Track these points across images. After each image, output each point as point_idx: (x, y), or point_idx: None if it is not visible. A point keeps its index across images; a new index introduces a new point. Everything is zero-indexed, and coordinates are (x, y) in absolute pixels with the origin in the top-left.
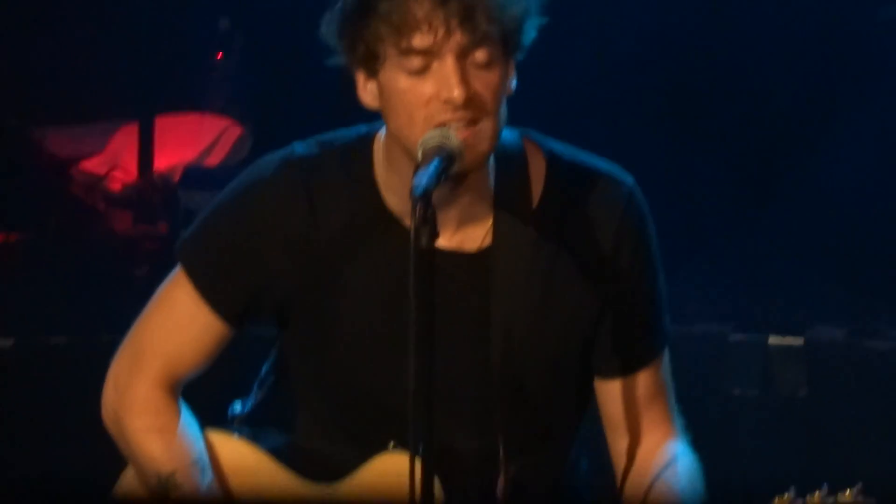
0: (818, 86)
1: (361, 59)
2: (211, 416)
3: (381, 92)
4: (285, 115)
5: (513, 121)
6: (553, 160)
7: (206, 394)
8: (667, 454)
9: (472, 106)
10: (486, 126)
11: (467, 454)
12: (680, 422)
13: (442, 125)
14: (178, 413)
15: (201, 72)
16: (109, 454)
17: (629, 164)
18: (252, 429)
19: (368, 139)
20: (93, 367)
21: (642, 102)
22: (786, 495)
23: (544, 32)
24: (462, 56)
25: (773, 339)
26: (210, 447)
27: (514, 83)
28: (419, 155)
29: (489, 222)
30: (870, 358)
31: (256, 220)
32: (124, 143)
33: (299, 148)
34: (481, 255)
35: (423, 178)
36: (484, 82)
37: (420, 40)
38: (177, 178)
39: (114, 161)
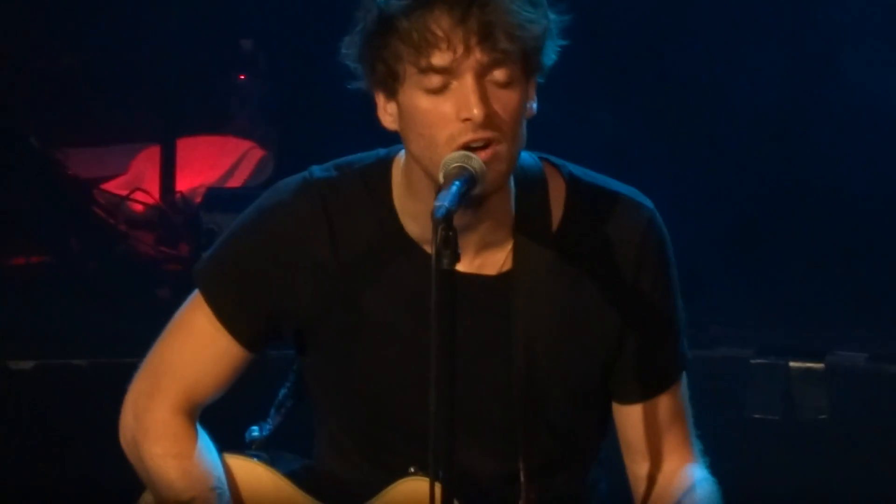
0: (847, 109)
1: (381, 80)
2: (228, 440)
3: (401, 113)
4: (308, 136)
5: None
6: (573, 184)
7: (223, 418)
8: (686, 478)
9: (491, 125)
10: (504, 147)
11: (488, 477)
12: (699, 446)
13: (463, 147)
14: (196, 438)
15: (224, 93)
16: (128, 478)
17: (648, 188)
18: (270, 453)
19: (387, 162)
20: (114, 389)
21: (663, 125)
22: None
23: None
24: (481, 75)
25: (795, 364)
26: (228, 472)
27: (535, 106)
28: (441, 177)
29: (509, 246)
30: (891, 383)
31: (275, 243)
32: (147, 164)
33: (317, 171)
34: (501, 279)
35: (445, 199)
36: (503, 102)
37: (439, 58)
38: (199, 199)
39: (136, 182)
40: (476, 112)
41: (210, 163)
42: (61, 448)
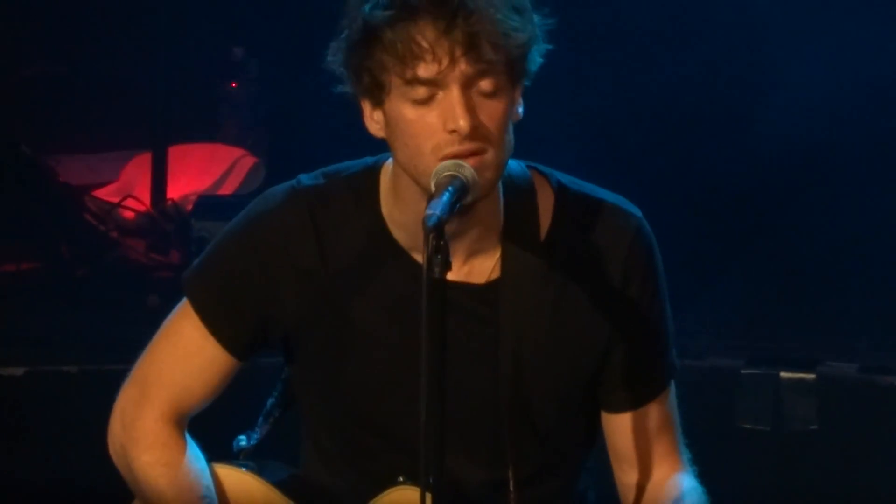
0: (834, 119)
1: (367, 89)
2: (216, 449)
3: (387, 122)
4: (299, 144)
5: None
6: (561, 192)
7: (211, 427)
8: (675, 487)
9: (477, 136)
10: (491, 154)
11: (476, 486)
12: (687, 455)
13: (450, 157)
14: (185, 447)
15: (215, 101)
16: (118, 486)
17: (637, 197)
18: (258, 462)
19: (375, 170)
20: (105, 396)
21: (649, 136)
22: None
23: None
24: (467, 85)
25: (785, 374)
26: (216, 481)
27: (521, 109)
28: (432, 185)
29: (497, 254)
30: (881, 393)
31: (262, 251)
32: (138, 171)
33: (305, 179)
34: (490, 287)
35: (437, 208)
36: (489, 111)
37: (425, 70)
38: (190, 207)
39: (127, 190)
40: (462, 123)
41: (201, 170)
42: (51, 454)
